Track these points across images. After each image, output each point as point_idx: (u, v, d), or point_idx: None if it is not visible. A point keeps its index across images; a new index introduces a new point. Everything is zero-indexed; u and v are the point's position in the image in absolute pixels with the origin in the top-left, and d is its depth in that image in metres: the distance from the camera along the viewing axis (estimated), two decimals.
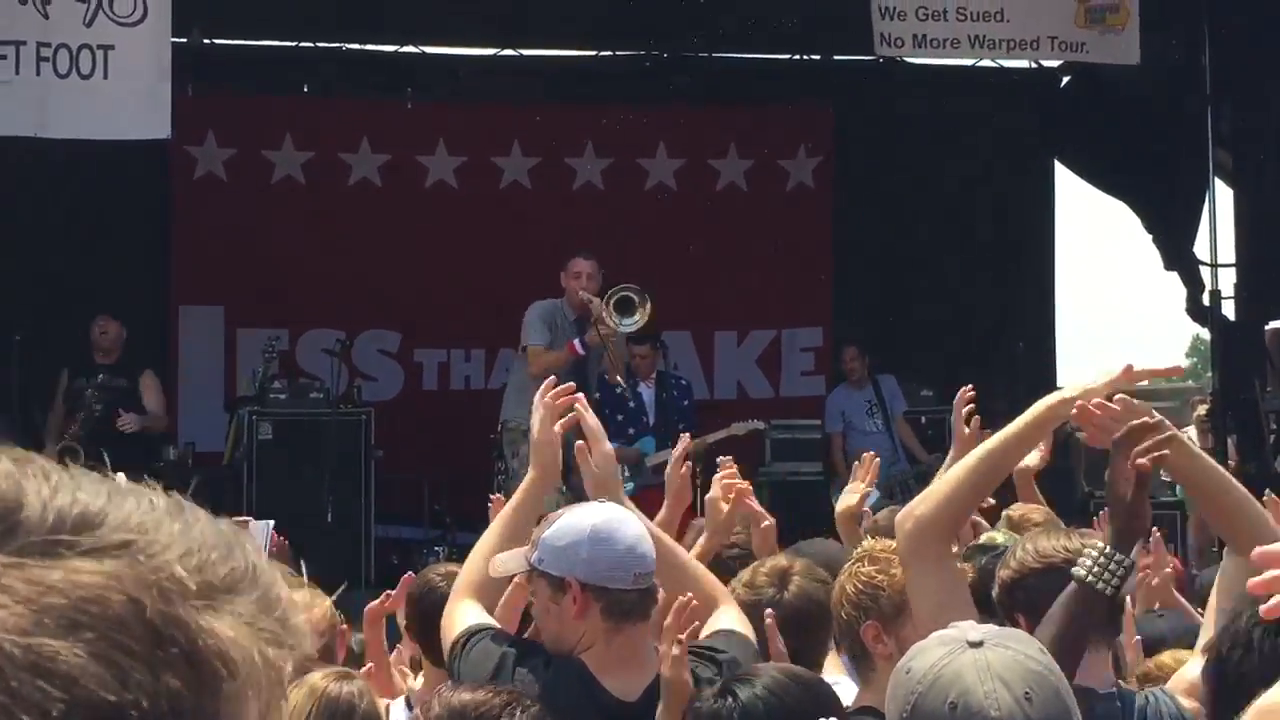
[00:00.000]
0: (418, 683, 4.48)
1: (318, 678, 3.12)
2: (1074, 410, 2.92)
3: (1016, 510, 5.39)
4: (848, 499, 4.76)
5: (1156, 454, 2.79)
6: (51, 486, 0.84)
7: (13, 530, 0.82)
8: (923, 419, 10.97)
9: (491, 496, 5.20)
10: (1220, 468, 3.02)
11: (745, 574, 3.74)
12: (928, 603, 3.04)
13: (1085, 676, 2.78)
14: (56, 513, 0.83)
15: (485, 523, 12.81)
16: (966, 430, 4.10)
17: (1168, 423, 3.03)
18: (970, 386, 4.06)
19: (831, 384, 13.51)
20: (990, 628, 2.07)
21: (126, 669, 0.78)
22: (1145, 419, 2.85)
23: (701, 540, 4.01)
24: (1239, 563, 2.84)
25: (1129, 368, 2.97)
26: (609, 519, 3.20)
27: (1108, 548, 2.91)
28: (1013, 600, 3.04)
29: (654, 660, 3.09)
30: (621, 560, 3.13)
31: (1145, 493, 2.83)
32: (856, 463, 5.31)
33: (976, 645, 1.99)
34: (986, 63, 12.96)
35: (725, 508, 3.93)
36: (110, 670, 0.78)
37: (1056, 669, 2.03)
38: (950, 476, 3.07)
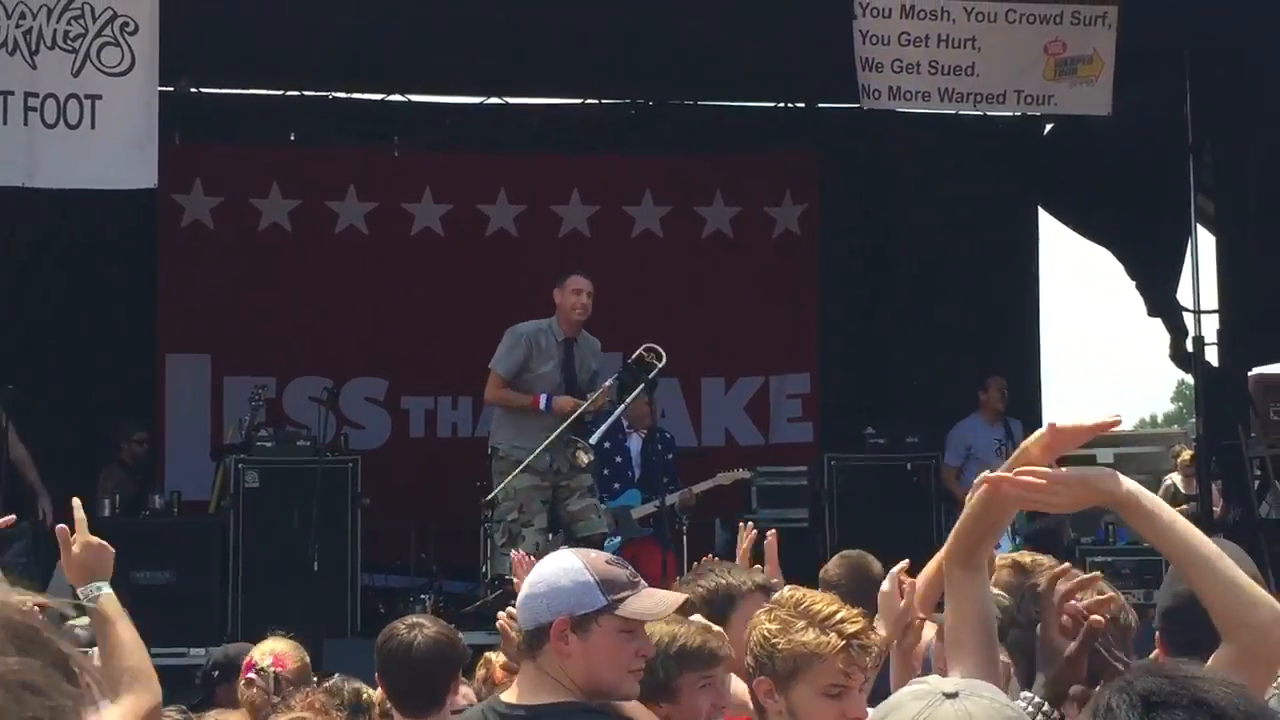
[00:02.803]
0: None
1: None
2: (983, 483, 2.70)
3: (1026, 556, 5.35)
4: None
5: (1094, 619, 2.63)
6: None
7: None
8: (908, 466, 10.97)
9: (514, 554, 5.28)
10: (1195, 538, 2.63)
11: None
12: (946, 625, 3.05)
13: None
14: None
15: (472, 571, 12.76)
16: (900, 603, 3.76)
17: (1098, 576, 2.95)
18: (906, 563, 3.72)
19: (820, 430, 13.53)
20: (963, 681, 2.07)
21: None
22: (1066, 570, 2.71)
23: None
24: (1225, 651, 2.56)
25: (1052, 426, 2.69)
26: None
27: (1036, 697, 2.83)
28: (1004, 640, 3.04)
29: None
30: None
31: (1085, 647, 2.65)
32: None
33: (952, 696, 2.00)
34: (966, 111, 13.05)
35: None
36: None
37: (1024, 716, 2.05)
38: (963, 513, 3.01)
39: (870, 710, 2.15)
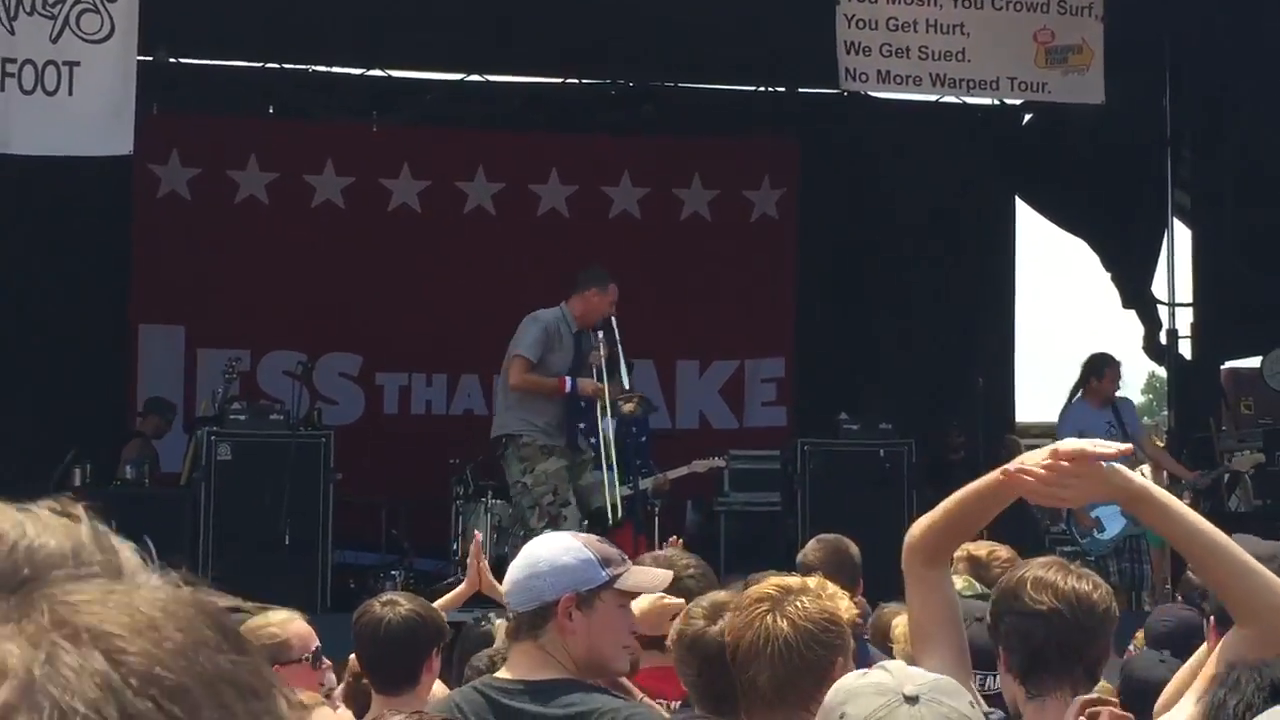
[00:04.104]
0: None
1: None
2: (1002, 475, 2.75)
3: (982, 549, 5.37)
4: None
5: None
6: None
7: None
8: (881, 452, 10.98)
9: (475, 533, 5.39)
10: (1206, 528, 2.72)
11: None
12: (911, 622, 3.13)
13: None
14: None
15: (443, 549, 12.80)
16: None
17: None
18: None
19: (794, 415, 13.55)
20: (925, 678, 2.07)
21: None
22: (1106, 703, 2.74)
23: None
24: (1239, 634, 2.67)
25: (1055, 451, 2.71)
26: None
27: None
28: (998, 630, 3.00)
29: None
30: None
31: None
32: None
33: (912, 700, 2.00)
34: (950, 99, 13.07)
35: None
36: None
37: None
38: (945, 503, 2.99)
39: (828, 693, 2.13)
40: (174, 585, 0.88)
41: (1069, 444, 2.72)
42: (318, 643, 4.36)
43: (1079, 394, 10.99)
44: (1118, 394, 11.15)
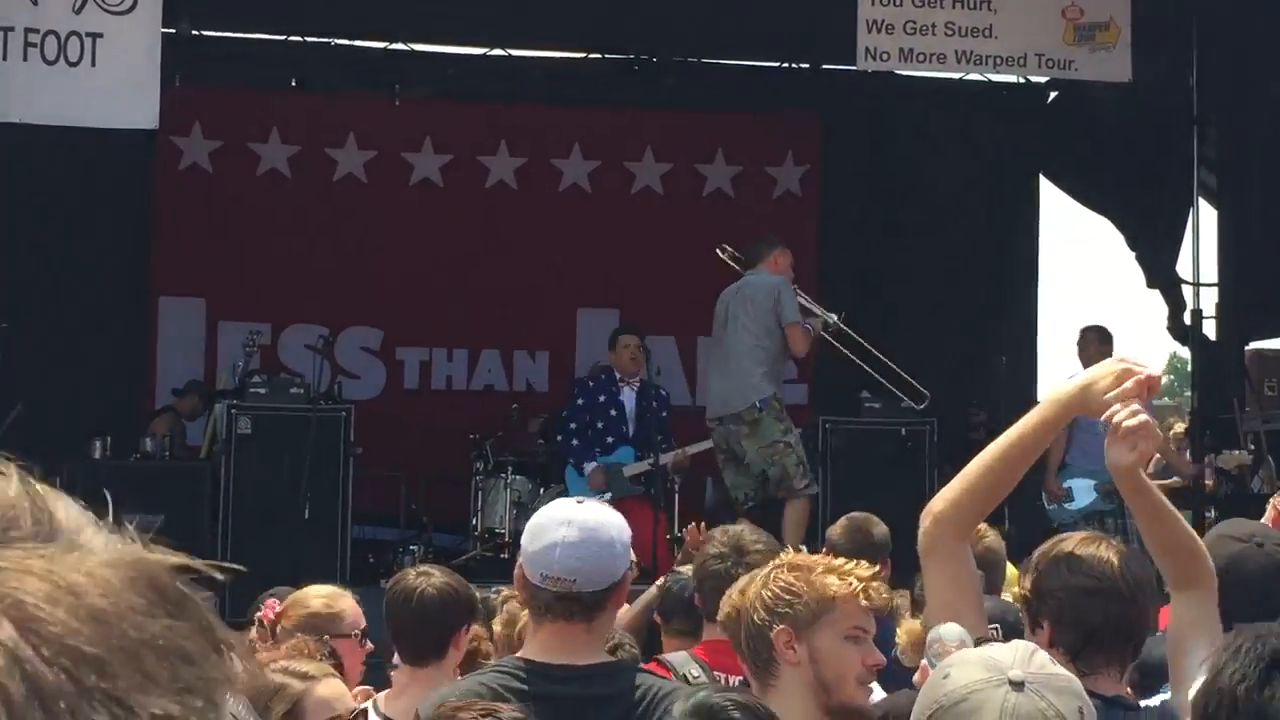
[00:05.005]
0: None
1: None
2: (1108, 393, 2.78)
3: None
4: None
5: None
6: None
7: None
8: (903, 431, 10.93)
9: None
10: (1163, 501, 2.92)
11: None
12: (936, 600, 3.09)
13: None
14: None
15: (463, 524, 12.78)
16: None
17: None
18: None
19: (814, 392, 13.51)
20: (1040, 667, 2.02)
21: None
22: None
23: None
24: (1181, 598, 2.86)
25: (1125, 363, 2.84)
26: (551, 516, 3.28)
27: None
28: (1043, 607, 2.95)
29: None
30: (534, 558, 3.23)
31: None
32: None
33: (1017, 686, 1.98)
34: (974, 76, 12.98)
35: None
36: None
37: None
38: (966, 473, 2.97)
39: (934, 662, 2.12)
40: (118, 545, 0.84)
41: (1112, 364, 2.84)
42: (365, 622, 4.39)
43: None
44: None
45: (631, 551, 3.34)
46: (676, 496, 10.66)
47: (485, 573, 9.02)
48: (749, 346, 9.78)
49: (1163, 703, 2.94)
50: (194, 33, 12.33)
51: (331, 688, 3.30)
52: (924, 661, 3.00)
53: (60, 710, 0.75)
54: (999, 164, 14.09)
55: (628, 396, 10.49)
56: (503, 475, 11.02)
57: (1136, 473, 2.81)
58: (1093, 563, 2.89)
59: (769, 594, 3.06)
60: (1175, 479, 14.05)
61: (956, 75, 12.62)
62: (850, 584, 3.07)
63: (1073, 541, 2.97)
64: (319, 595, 4.57)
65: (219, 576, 0.91)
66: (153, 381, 12.81)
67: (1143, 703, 3.03)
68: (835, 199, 14.02)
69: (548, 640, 3.22)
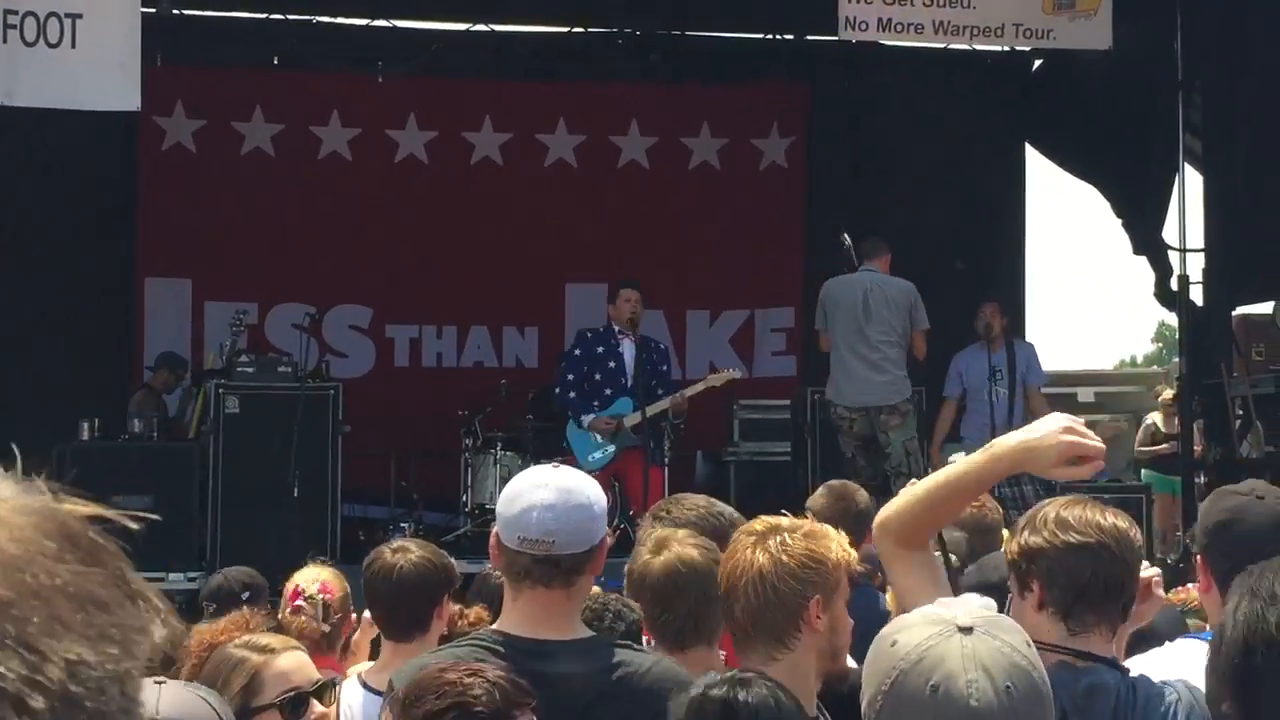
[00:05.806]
0: (362, 666, 4.46)
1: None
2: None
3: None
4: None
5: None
6: None
7: None
8: None
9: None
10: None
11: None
12: (895, 586, 3.16)
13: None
14: None
15: (453, 501, 12.77)
16: None
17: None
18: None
19: (803, 365, 13.51)
20: (981, 611, 2.04)
21: None
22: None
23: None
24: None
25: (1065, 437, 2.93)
26: (527, 481, 3.19)
27: None
28: (1032, 568, 2.94)
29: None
30: (511, 522, 3.14)
31: None
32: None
33: (966, 631, 1.97)
34: (960, 45, 12.95)
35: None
36: None
37: (1040, 665, 2.01)
38: (915, 490, 3.04)
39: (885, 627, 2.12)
40: (29, 495, 0.83)
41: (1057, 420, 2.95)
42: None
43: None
44: (1019, 340, 11.28)
45: (608, 520, 3.28)
46: (666, 470, 10.66)
47: (477, 549, 9.02)
48: (895, 342, 10.15)
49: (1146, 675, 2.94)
50: (174, 12, 12.27)
51: (292, 659, 3.26)
52: None
53: None
54: (985, 132, 14.07)
55: (626, 349, 10.45)
56: (492, 451, 11.02)
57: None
58: (1080, 522, 2.91)
59: (792, 561, 3.02)
60: (1164, 445, 14.10)
61: (939, 45, 12.59)
62: (850, 553, 3.08)
63: (1059, 504, 2.98)
64: (310, 580, 4.58)
65: (133, 526, 0.89)
66: (140, 363, 12.78)
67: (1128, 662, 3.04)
68: (821, 170, 14.00)
69: (525, 609, 3.13)
